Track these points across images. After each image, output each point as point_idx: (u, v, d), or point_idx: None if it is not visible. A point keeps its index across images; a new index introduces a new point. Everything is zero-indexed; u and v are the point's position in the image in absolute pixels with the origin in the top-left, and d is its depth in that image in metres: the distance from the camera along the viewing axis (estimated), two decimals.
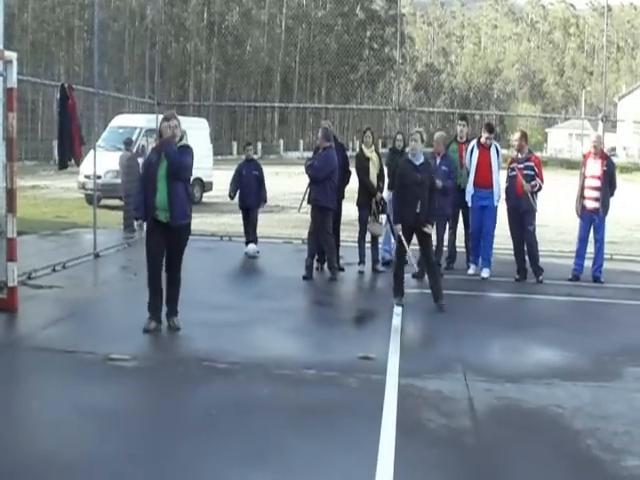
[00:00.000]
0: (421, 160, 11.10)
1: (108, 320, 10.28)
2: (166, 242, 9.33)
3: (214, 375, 7.87)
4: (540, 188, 13.20)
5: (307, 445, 6.20)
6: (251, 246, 15.26)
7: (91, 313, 10.70)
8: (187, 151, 9.30)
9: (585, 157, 13.78)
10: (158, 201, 9.16)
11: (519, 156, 13.32)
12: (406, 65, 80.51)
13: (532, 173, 13.13)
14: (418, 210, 10.92)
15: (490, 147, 13.52)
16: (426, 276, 11.63)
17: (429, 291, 11.21)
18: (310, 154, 14.24)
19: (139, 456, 5.89)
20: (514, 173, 13.19)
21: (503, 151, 14.49)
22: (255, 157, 16.74)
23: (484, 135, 13.55)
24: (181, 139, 9.29)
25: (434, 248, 12.03)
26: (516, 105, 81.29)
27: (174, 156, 9.07)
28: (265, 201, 15.98)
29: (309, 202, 13.21)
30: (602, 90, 21.61)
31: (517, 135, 13.55)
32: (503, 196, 13.49)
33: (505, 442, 6.44)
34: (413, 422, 6.73)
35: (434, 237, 12.05)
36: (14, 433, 6.36)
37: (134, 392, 7.45)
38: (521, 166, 13.15)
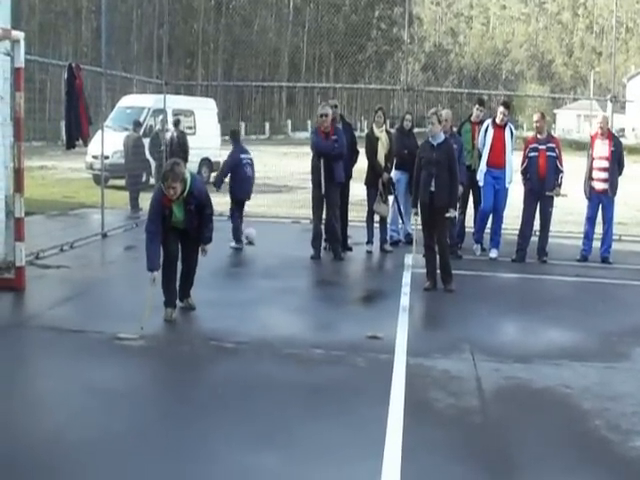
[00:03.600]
0: (440, 140, 11.04)
1: (115, 300, 10.28)
2: (182, 236, 9.23)
3: (221, 354, 7.88)
4: (562, 177, 13.17)
5: (315, 424, 6.20)
6: (250, 229, 14.90)
7: (98, 293, 10.70)
8: (204, 202, 9.15)
9: (592, 138, 13.71)
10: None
11: (539, 137, 13.24)
12: (414, 45, 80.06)
13: (554, 155, 13.06)
14: (433, 189, 10.86)
15: (505, 127, 13.45)
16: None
17: (437, 271, 11.18)
18: None
19: (147, 434, 5.91)
20: (535, 154, 13.11)
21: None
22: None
23: (500, 111, 13.46)
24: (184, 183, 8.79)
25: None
26: (524, 86, 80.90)
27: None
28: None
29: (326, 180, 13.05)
30: (611, 71, 21.44)
31: (538, 116, 13.48)
32: (515, 178, 13.45)
33: (513, 422, 6.43)
34: (421, 402, 6.72)
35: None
36: (23, 412, 6.37)
37: (141, 371, 7.46)
38: (543, 147, 13.08)
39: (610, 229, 13.56)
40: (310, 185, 13.32)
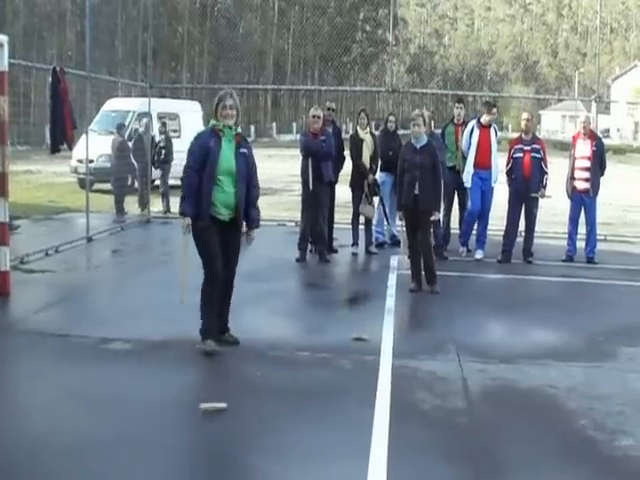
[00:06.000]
0: (422, 142, 10.97)
1: (101, 304, 10.23)
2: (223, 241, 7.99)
3: (207, 358, 7.83)
4: (547, 178, 13.20)
5: (301, 426, 6.19)
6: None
7: (84, 297, 10.66)
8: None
9: (574, 138, 13.76)
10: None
11: (524, 137, 13.28)
12: (399, 47, 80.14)
13: (539, 156, 13.10)
14: (417, 192, 10.81)
15: (490, 127, 13.46)
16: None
17: (422, 273, 11.18)
18: None
19: (133, 440, 5.86)
20: (520, 155, 13.14)
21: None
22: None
23: (486, 112, 13.49)
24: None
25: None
26: (509, 87, 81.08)
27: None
28: None
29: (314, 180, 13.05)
30: (595, 71, 21.52)
31: (527, 115, 13.53)
32: (500, 178, 13.47)
33: (499, 422, 6.43)
34: (407, 403, 6.72)
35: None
36: (7, 417, 6.34)
37: (127, 376, 7.41)
38: (528, 148, 13.11)
39: (593, 229, 13.59)
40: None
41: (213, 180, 7.65)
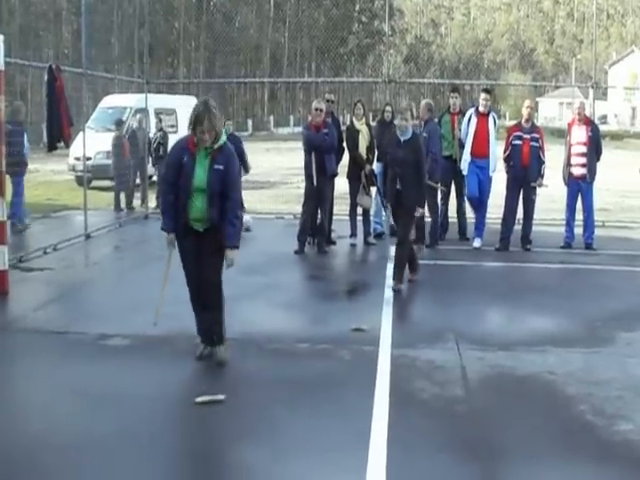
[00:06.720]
0: (407, 136, 10.58)
1: (99, 301, 10.23)
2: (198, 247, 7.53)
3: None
4: (544, 167, 13.22)
5: (300, 417, 6.20)
6: (246, 217, 15.22)
7: (82, 294, 10.65)
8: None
9: (569, 125, 13.77)
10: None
11: (523, 125, 13.28)
12: (395, 37, 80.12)
13: (537, 145, 13.12)
14: (399, 187, 10.57)
15: (488, 115, 13.46)
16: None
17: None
18: (301, 130, 14.18)
19: (133, 436, 5.86)
20: (519, 142, 13.14)
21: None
22: (237, 133, 16.95)
23: (482, 97, 13.51)
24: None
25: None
26: (506, 75, 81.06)
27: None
28: (247, 171, 16.10)
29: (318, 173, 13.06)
30: (592, 58, 21.53)
31: (529, 103, 13.61)
32: (499, 166, 13.48)
33: (498, 409, 6.44)
34: (406, 392, 6.73)
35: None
36: (6, 415, 6.34)
37: (126, 371, 7.41)
38: (527, 137, 13.11)
39: (591, 215, 13.59)
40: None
41: (188, 194, 7.29)
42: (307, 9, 71.86)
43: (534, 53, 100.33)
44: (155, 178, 20.24)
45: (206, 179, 7.21)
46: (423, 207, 10.94)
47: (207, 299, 7.53)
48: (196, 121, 7.09)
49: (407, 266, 10.87)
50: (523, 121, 13.35)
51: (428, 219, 13.07)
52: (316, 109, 12.98)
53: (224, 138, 7.32)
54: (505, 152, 13.31)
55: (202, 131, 7.07)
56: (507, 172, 13.39)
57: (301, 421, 6.13)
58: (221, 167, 7.24)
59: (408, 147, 10.51)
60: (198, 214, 7.29)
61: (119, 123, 20.19)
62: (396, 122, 10.96)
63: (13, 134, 13.74)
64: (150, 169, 19.55)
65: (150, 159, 19.19)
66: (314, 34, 67.54)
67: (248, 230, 14.64)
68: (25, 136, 15.10)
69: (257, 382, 7.00)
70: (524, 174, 13.07)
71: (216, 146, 7.21)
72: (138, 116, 19.70)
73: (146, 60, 21.46)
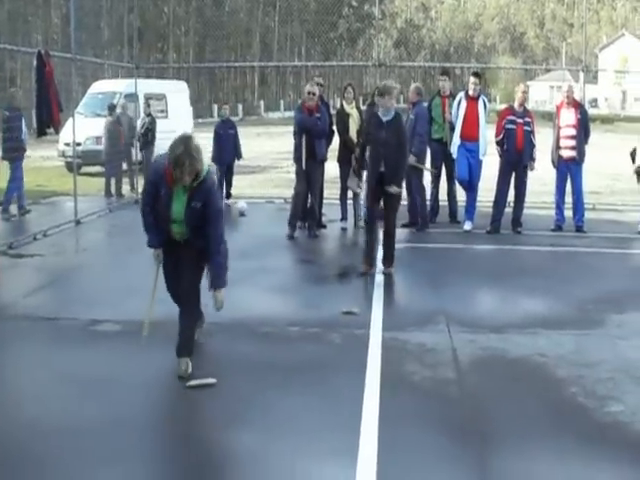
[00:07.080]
0: (390, 117, 10.33)
1: (90, 286, 10.19)
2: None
3: (196, 336, 7.82)
4: (535, 150, 13.25)
5: (291, 400, 6.20)
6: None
7: (73, 280, 10.64)
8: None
9: (557, 108, 13.75)
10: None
11: (517, 109, 13.26)
12: (386, 21, 79.95)
13: (529, 129, 13.13)
14: (382, 169, 10.31)
15: (478, 99, 13.44)
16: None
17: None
18: (291, 114, 14.19)
19: (124, 420, 5.85)
20: (512, 126, 13.11)
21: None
22: (232, 117, 17.29)
23: (471, 81, 13.50)
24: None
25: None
26: (497, 58, 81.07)
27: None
28: (240, 157, 16.87)
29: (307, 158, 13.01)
30: (583, 41, 21.45)
31: (523, 87, 13.59)
32: (490, 149, 13.48)
33: (489, 392, 6.45)
34: (397, 375, 6.74)
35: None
36: None
37: (117, 357, 7.39)
38: (521, 121, 13.10)
39: (580, 198, 13.59)
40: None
41: (167, 222, 6.93)
42: None
43: (524, 37, 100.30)
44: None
45: (184, 214, 6.84)
46: (399, 185, 10.51)
47: (184, 311, 7.22)
48: (175, 163, 6.49)
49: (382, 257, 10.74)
50: (517, 105, 13.32)
51: (405, 202, 12.89)
52: (309, 92, 12.93)
53: (204, 172, 6.74)
54: (497, 136, 13.29)
55: (182, 172, 6.51)
56: (500, 156, 13.37)
57: (292, 404, 6.13)
58: (199, 204, 6.79)
59: (391, 128, 10.28)
60: (178, 235, 7.01)
61: (112, 108, 20.09)
62: (377, 100, 10.65)
63: (11, 120, 13.81)
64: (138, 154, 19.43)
65: (138, 144, 19.08)
66: (304, 18, 67.44)
67: (243, 215, 14.82)
68: (23, 121, 15.12)
69: (248, 365, 6.99)
70: (518, 158, 13.07)
71: (195, 183, 6.69)
72: (122, 102, 19.66)
73: (136, 45, 21.38)
